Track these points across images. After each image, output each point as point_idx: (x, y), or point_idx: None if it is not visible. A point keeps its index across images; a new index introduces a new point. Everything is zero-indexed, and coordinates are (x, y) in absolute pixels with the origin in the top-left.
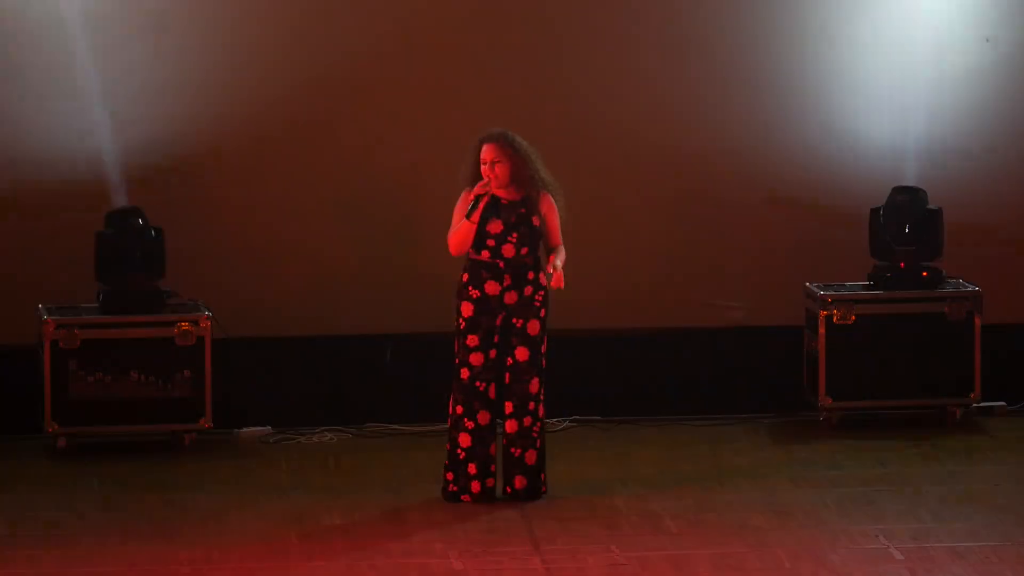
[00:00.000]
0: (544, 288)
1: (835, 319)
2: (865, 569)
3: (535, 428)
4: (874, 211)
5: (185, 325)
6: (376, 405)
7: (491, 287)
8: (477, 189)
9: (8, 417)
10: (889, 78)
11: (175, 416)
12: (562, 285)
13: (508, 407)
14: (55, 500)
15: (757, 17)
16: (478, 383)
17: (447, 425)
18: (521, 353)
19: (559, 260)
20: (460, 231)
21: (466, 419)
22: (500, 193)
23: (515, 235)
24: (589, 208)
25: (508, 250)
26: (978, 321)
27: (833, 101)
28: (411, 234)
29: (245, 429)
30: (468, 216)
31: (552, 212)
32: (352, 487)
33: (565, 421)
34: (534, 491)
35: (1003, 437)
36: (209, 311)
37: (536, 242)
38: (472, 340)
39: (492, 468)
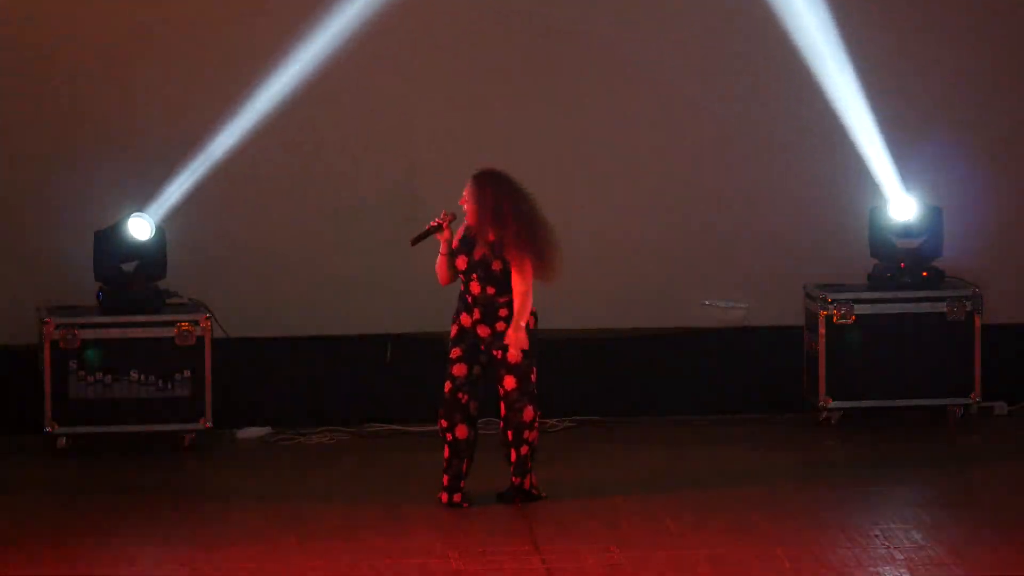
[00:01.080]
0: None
1: (835, 319)
2: (865, 569)
3: (531, 459)
4: (874, 211)
5: (185, 325)
6: (376, 405)
7: (465, 318)
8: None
9: (8, 417)
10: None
11: (175, 416)
12: (514, 361)
13: (508, 435)
14: (55, 500)
15: (755, 16)
16: (460, 395)
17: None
18: (509, 382)
19: (514, 331)
20: (438, 262)
21: (447, 432)
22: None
23: (475, 275)
24: (589, 208)
25: (474, 287)
26: (978, 321)
27: (834, 102)
28: (410, 235)
29: (245, 429)
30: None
31: (514, 259)
32: (352, 487)
33: (565, 421)
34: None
35: (1003, 437)
36: (209, 311)
37: (502, 284)
38: (455, 352)
39: (462, 484)
